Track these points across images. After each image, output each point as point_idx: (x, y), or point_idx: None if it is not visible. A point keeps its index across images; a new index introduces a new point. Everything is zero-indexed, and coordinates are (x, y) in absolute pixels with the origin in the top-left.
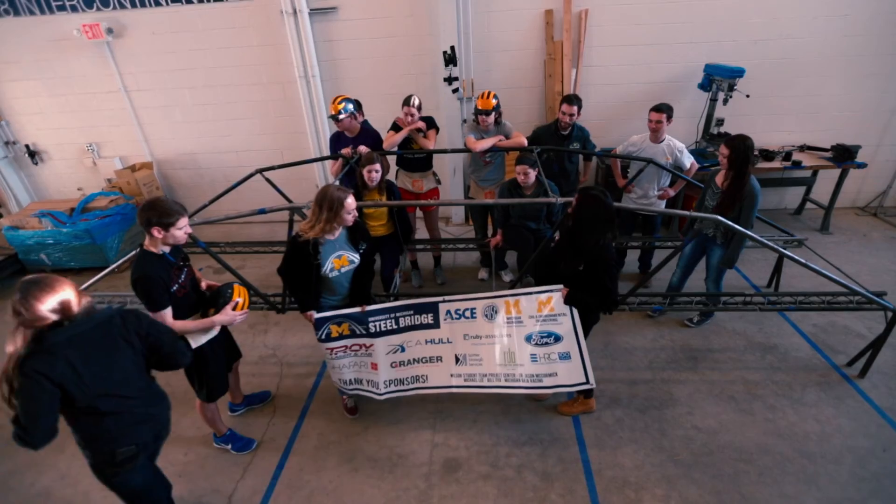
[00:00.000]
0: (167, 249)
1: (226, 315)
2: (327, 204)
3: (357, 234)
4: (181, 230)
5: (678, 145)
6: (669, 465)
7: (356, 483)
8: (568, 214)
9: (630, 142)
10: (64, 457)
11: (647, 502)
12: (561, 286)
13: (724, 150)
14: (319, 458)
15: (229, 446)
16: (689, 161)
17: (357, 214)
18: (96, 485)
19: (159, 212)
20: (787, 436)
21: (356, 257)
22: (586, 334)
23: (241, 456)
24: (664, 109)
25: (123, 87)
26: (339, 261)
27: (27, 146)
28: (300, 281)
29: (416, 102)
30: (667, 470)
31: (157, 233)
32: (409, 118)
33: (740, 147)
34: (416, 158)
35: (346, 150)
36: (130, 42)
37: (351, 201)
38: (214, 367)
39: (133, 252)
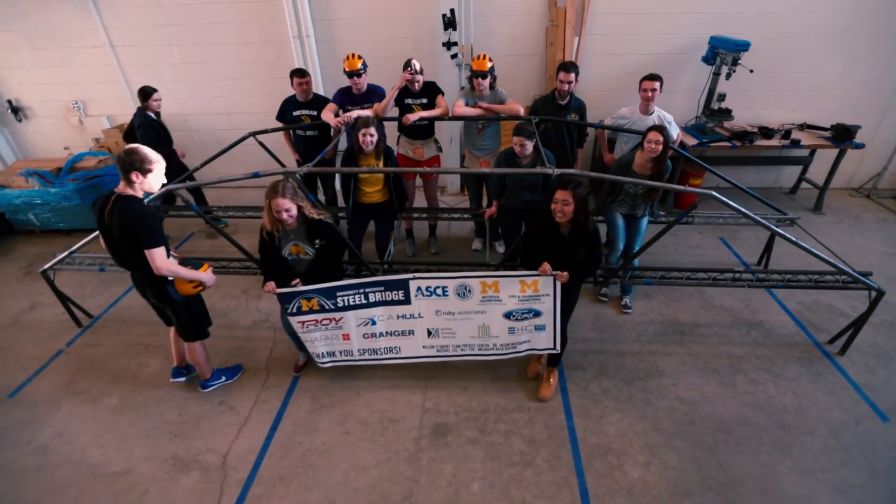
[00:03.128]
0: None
1: (206, 274)
2: (266, 196)
3: (314, 234)
4: (158, 179)
5: (667, 116)
6: (652, 434)
7: (348, 445)
8: (561, 220)
9: (619, 114)
10: (60, 414)
11: (628, 468)
12: (554, 273)
13: (658, 137)
14: (312, 420)
15: (223, 378)
16: (675, 132)
17: (295, 217)
18: (93, 442)
19: (140, 157)
20: (765, 408)
21: (311, 251)
22: (576, 300)
23: (236, 417)
24: (658, 78)
25: (109, 41)
26: (296, 248)
27: (9, 101)
28: (267, 256)
29: (418, 67)
30: (649, 438)
31: (134, 177)
32: (416, 85)
33: (668, 138)
34: (417, 125)
35: (340, 120)
36: None
37: (280, 202)
38: (197, 307)
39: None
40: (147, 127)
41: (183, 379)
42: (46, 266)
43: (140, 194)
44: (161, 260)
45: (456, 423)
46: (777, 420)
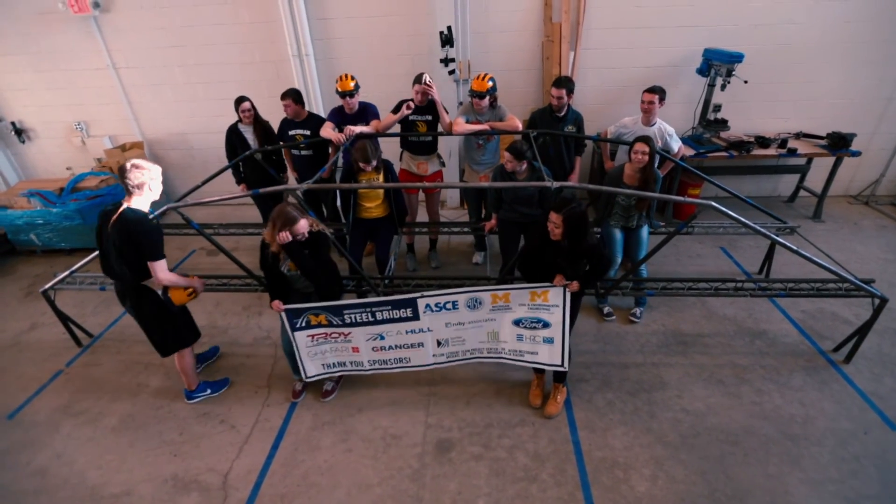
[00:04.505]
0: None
1: (197, 280)
2: (280, 222)
3: (306, 244)
4: (156, 186)
5: (668, 129)
6: (658, 447)
7: (350, 462)
8: (556, 239)
9: (622, 123)
10: (59, 436)
11: (634, 482)
12: (566, 283)
13: (644, 148)
14: (314, 438)
15: (209, 391)
16: (676, 145)
17: (307, 235)
18: (93, 463)
19: (147, 166)
20: (772, 418)
21: None
22: (577, 313)
23: (237, 436)
24: (657, 91)
25: (112, 63)
26: (293, 264)
27: (13, 123)
28: (270, 274)
29: (427, 80)
30: (655, 451)
31: (152, 187)
32: (419, 96)
33: (654, 148)
34: (420, 141)
35: (340, 137)
36: (118, 17)
37: (302, 224)
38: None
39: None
40: (225, 138)
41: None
42: (47, 286)
43: (146, 206)
44: (163, 272)
45: (459, 439)
46: (784, 430)
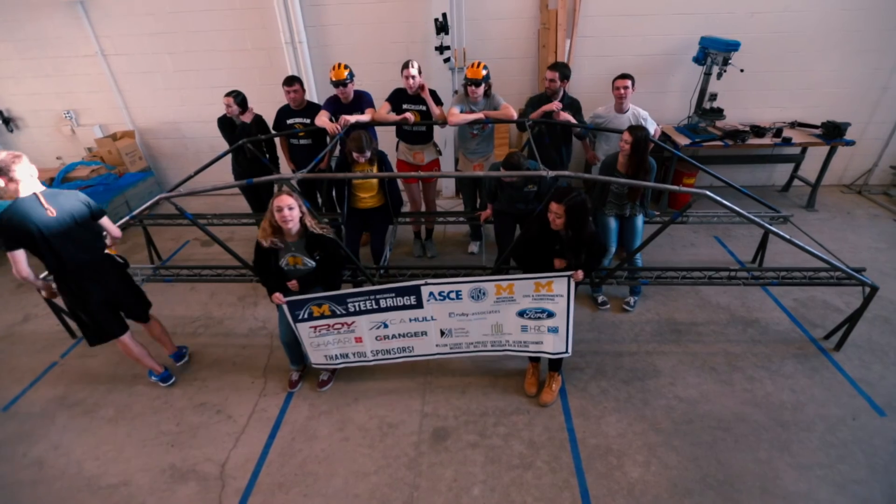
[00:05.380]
0: None
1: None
2: (267, 209)
3: (314, 246)
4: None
5: (642, 113)
6: (651, 434)
7: (347, 451)
8: (557, 229)
9: (596, 113)
10: (55, 427)
11: (628, 468)
12: (570, 273)
13: (627, 137)
14: (311, 427)
15: (165, 374)
16: (652, 128)
17: (297, 223)
18: (89, 454)
19: (17, 154)
20: (763, 405)
21: (310, 262)
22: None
23: (234, 426)
24: (629, 76)
25: (100, 50)
26: (294, 259)
27: (1, 112)
28: (266, 268)
29: (416, 66)
30: (648, 438)
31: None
32: (410, 80)
33: (641, 137)
34: (415, 131)
35: (335, 126)
36: (106, 2)
37: (283, 199)
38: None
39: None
40: (218, 127)
41: (186, 358)
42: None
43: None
44: (110, 223)
45: (455, 427)
46: (775, 417)
